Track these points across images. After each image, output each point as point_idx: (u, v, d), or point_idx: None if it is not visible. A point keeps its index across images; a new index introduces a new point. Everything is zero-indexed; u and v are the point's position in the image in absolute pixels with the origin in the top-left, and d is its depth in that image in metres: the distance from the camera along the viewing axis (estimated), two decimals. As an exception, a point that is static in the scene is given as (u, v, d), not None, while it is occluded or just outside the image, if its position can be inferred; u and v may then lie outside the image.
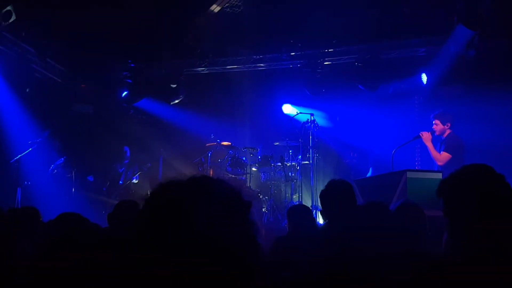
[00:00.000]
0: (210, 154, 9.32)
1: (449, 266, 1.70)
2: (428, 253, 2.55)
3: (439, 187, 1.97)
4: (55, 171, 8.53)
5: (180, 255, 0.99)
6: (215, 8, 8.41)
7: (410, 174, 5.05)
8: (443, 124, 6.37)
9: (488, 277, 1.55)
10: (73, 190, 8.51)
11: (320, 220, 5.82)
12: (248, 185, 9.08)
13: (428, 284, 1.70)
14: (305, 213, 4.35)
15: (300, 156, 8.90)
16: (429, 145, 6.31)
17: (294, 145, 9.07)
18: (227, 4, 8.29)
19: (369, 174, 8.51)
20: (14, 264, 2.04)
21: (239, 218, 1.08)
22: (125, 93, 10.25)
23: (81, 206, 7.74)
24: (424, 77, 8.61)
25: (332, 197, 3.56)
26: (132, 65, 10.20)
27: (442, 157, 6.19)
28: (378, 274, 1.91)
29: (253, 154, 9.51)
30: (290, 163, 9.08)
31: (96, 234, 2.73)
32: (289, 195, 8.96)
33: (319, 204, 3.90)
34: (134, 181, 9.84)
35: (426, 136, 6.34)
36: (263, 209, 8.68)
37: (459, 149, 6.24)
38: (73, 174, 8.51)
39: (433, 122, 6.45)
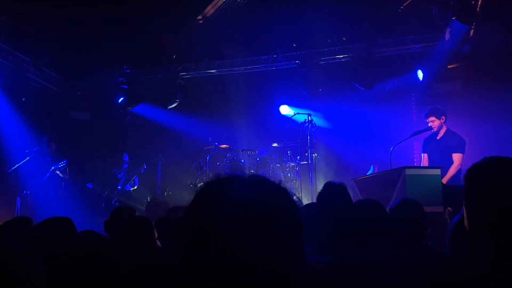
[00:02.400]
0: (209, 157, 9.29)
1: (462, 266, 1.63)
2: (434, 256, 2.48)
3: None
4: (57, 171, 8.44)
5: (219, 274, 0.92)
6: (200, 18, 8.50)
7: (408, 171, 5.03)
8: (439, 119, 6.38)
9: (505, 277, 1.49)
10: (62, 194, 8.49)
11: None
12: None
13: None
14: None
15: (298, 157, 8.87)
16: (447, 178, 6.04)
17: (293, 145, 9.04)
18: (207, 15, 8.38)
19: (370, 172, 8.48)
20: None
21: (293, 238, 0.97)
22: (121, 99, 10.22)
23: (78, 212, 7.69)
24: (420, 74, 8.61)
25: (328, 199, 3.59)
26: (128, 70, 10.18)
27: (456, 159, 6.09)
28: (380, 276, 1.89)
29: (251, 156, 9.48)
30: (289, 164, 9.06)
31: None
32: (289, 196, 8.90)
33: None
34: (131, 189, 9.78)
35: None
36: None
37: (464, 145, 6.22)
38: (63, 183, 8.48)
39: (427, 120, 6.44)
